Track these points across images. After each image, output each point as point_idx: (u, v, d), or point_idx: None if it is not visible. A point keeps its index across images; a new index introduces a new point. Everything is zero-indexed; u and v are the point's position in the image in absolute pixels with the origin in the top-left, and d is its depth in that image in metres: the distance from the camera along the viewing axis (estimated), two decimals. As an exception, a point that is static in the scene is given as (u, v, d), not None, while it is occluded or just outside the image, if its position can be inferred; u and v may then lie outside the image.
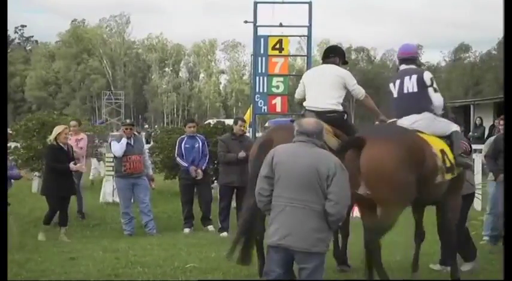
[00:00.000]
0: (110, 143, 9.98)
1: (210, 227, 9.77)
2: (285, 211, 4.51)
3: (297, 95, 7.12)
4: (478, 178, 9.78)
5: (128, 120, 10.25)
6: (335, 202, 4.48)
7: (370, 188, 5.40)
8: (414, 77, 6.15)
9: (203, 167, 9.91)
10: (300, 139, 4.66)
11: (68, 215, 9.36)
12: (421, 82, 6.12)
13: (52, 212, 9.10)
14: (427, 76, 6.17)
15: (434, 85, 6.19)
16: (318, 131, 4.71)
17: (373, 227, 5.61)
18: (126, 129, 9.63)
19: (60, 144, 9.14)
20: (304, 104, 6.88)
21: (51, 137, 9.18)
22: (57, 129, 9.21)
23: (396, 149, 5.48)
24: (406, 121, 6.03)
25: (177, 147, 9.99)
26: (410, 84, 6.14)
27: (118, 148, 9.48)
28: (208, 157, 10.03)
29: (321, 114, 6.47)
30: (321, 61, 7.59)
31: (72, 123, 11.14)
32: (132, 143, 9.55)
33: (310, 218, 4.48)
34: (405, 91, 6.15)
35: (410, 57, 6.45)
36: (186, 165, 9.81)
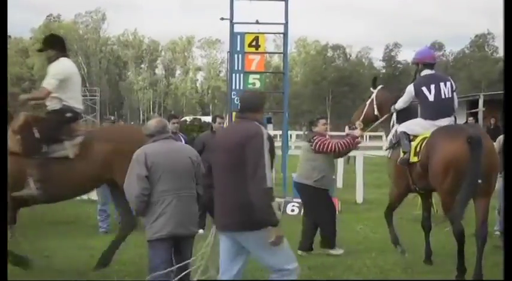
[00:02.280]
0: None
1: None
2: (173, 202, 4.88)
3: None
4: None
5: (111, 117, 10.19)
6: (202, 184, 5.03)
7: (488, 178, 6.22)
8: (448, 83, 6.96)
9: None
10: (163, 137, 5.09)
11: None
12: (452, 89, 6.97)
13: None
14: (453, 83, 7.06)
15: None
16: (168, 127, 5.28)
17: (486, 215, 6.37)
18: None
19: None
20: (71, 104, 6.50)
21: None
22: None
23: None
24: (442, 122, 6.79)
25: None
26: (446, 90, 6.92)
27: None
28: None
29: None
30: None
31: None
32: None
33: (193, 204, 5.04)
34: (443, 96, 6.88)
35: (434, 62, 7.21)
36: None
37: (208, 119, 19.26)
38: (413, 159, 6.76)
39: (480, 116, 26.36)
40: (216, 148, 4.51)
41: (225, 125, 10.29)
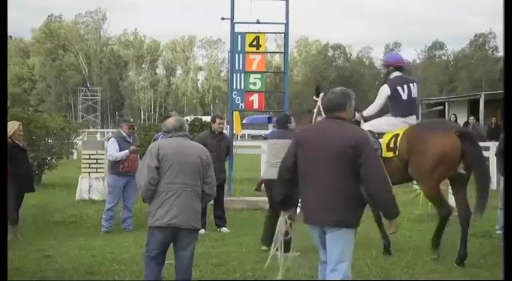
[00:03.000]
0: (109, 140, 9.87)
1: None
2: (177, 195, 5.20)
3: None
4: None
5: (131, 119, 10.21)
6: (212, 185, 5.46)
7: (470, 170, 6.93)
8: (416, 85, 7.60)
9: None
10: (178, 134, 5.45)
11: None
12: (418, 90, 7.64)
13: (14, 210, 8.62)
14: (419, 85, 7.73)
15: None
16: (185, 126, 5.58)
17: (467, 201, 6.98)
18: (129, 128, 9.68)
19: (16, 141, 8.45)
20: None
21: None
22: (12, 126, 8.36)
23: None
24: (411, 120, 7.48)
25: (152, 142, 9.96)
26: (415, 91, 7.54)
27: (117, 156, 9.36)
28: None
29: None
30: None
31: None
32: (131, 141, 9.57)
33: (195, 200, 5.33)
34: (413, 96, 7.51)
35: (404, 65, 7.92)
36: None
37: (209, 119, 19.22)
38: (387, 154, 7.20)
39: (481, 115, 26.36)
40: (311, 144, 4.57)
41: (224, 126, 10.26)
